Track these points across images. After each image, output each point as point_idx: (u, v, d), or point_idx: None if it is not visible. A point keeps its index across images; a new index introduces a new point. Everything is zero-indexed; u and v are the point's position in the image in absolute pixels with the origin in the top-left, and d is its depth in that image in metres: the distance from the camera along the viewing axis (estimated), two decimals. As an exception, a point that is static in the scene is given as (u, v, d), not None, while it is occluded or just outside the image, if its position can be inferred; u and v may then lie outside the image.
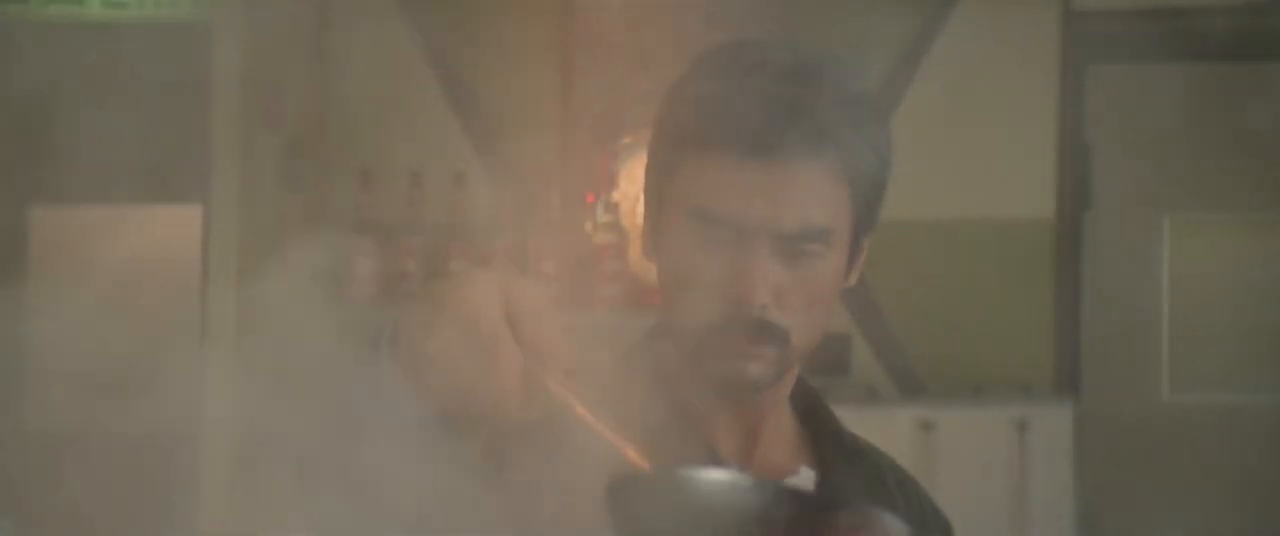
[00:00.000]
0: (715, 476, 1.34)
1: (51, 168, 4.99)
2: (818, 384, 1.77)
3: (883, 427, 1.50)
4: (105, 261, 5.05)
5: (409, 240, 5.09)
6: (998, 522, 4.96)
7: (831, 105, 1.59)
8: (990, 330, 5.28)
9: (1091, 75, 5.42)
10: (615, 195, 5.11)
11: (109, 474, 4.84)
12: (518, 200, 5.18)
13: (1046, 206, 5.33)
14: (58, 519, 4.83)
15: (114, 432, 4.94)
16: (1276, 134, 5.28)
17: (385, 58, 5.26)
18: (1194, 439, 5.44)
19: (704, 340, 1.59)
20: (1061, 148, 5.34)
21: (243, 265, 5.02)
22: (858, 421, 1.77)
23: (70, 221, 5.12)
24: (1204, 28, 5.30)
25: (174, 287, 5.05)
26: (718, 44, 1.65)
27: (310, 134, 5.20)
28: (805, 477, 1.68)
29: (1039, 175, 5.33)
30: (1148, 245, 5.42)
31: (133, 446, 4.88)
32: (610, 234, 5.08)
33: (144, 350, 5.03)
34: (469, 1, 5.34)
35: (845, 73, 1.61)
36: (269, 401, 1.41)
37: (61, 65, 4.95)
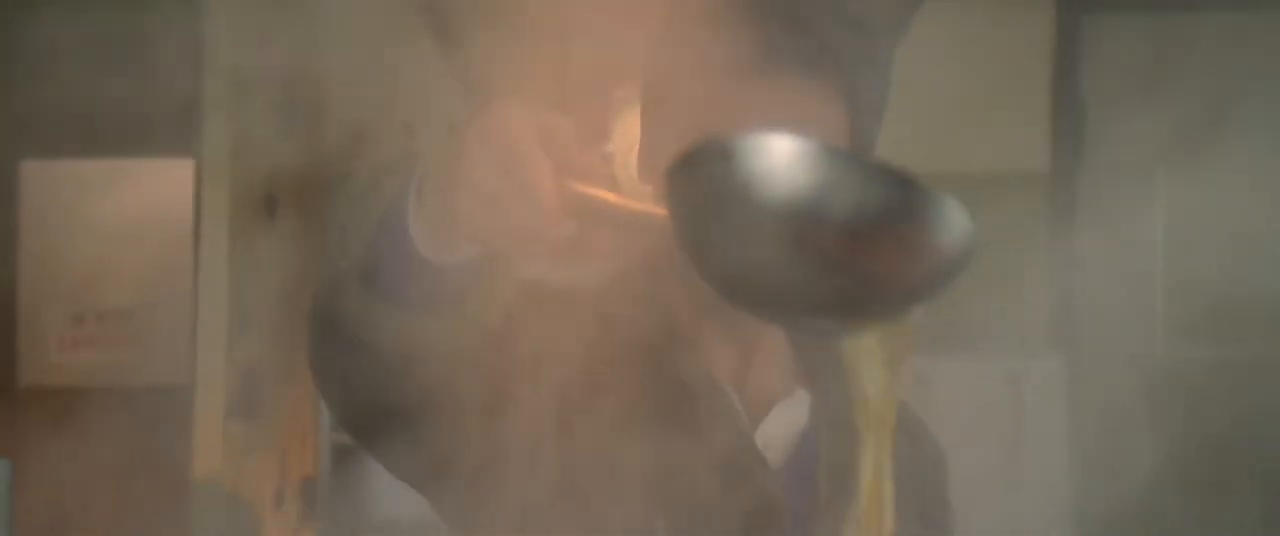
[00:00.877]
0: (779, 143, 1.29)
1: (42, 122, 4.97)
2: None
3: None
4: (97, 215, 5.03)
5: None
6: (992, 475, 4.96)
7: (832, 24, 1.58)
8: (984, 282, 5.25)
9: (1086, 25, 5.40)
10: (609, 147, 5.09)
11: (101, 427, 4.83)
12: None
13: (1041, 158, 5.31)
14: (52, 471, 4.83)
15: (107, 386, 4.94)
16: (1273, 85, 5.26)
17: (378, 9, 5.23)
18: (1189, 392, 5.43)
19: None
20: (1056, 99, 5.31)
21: (234, 218, 5.00)
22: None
23: (61, 176, 5.10)
24: (1200, -23, 5.28)
25: (166, 241, 5.03)
26: None
27: (302, 87, 5.17)
28: (800, 399, 1.67)
29: (1034, 126, 5.31)
30: (1143, 197, 5.41)
31: (125, 399, 4.88)
32: (605, 186, 5.06)
33: (136, 303, 5.03)
34: (461, -47, 5.31)
35: None
36: None
37: (51, 18, 4.93)
